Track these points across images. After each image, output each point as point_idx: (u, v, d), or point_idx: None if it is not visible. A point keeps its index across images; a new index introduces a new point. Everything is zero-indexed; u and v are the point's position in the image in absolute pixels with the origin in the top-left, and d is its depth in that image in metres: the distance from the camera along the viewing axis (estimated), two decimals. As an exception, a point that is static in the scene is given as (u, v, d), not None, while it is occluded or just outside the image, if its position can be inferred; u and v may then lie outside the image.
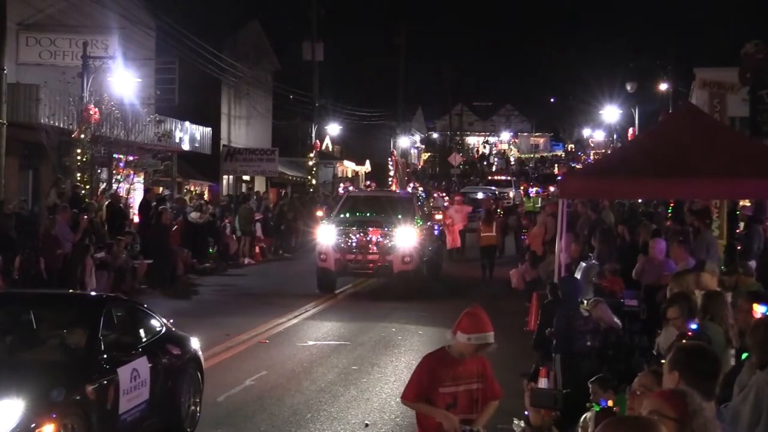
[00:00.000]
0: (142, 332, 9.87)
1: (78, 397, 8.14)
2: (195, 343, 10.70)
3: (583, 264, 13.98)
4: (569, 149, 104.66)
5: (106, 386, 8.56)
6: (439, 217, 28.51)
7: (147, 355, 9.37)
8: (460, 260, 28.62)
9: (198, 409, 10.35)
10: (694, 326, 7.66)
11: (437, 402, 6.41)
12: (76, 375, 8.39)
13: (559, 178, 55.32)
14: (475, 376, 6.52)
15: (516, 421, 8.23)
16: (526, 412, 8.16)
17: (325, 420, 10.88)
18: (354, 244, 21.34)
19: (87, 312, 9.52)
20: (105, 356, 8.78)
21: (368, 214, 22.43)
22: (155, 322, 10.22)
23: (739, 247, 15.58)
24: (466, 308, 6.51)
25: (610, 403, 7.14)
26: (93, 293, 11.31)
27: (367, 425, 10.63)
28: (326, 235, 21.74)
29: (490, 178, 68.04)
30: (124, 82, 25.81)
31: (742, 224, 17.78)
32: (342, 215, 22.59)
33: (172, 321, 10.77)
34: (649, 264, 13.12)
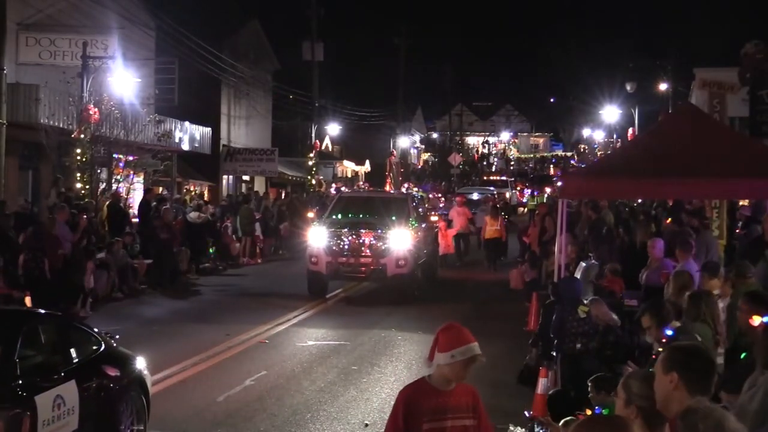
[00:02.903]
0: (73, 352, 8.78)
1: None
2: (140, 362, 9.69)
3: (583, 264, 14.00)
4: (582, 149, 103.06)
5: (19, 417, 7.49)
6: (434, 218, 28.12)
7: (76, 378, 8.32)
8: (453, 265, 28.02)
9: None
10: (669, 332, 7.60)
11: None
12: None
13: (555, 179, 55.53)
14: (466, 410, 5.46)
15: (512, 428, 8.27)
16: (526, 413, 8.20)
17: (324, 420, 10.87)
18: (346, 247, 20.56)
19: (2, 331, 8.24)
20: (20, 382, 7.71)
21: (361, 216, 21.57)
22: (91, 341, 9.20)
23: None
24: (445, 324, 5.48)
25: (585, 411, 7.13)
26: (12, 309, 10.12)
27: (366, 425, 10.61)
28: (317, 237, 21.00)
29: (485, 178, 68.04)
30: (123, 82, 25.78)
31: (740, 224, 17.80)
32: (334, 217, 21.81)
33: (117, 337, 10.02)
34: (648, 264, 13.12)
